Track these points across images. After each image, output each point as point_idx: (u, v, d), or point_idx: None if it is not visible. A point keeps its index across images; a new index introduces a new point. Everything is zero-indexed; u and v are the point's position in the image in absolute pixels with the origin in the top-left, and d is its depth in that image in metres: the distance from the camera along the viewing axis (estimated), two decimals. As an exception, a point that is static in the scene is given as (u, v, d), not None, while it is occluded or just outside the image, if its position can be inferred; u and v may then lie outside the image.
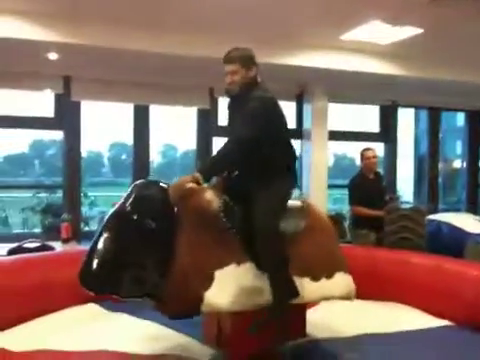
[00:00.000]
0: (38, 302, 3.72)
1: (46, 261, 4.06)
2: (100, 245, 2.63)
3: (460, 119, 12.51)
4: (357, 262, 4.01)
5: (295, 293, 2.87)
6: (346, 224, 6.42)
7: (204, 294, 2.67)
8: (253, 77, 3.03)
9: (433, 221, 5.40)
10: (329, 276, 3.09)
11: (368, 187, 5.09)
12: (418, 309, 3.97)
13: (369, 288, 3.99)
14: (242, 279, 2.77)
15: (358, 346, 3.21)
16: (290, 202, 3.12)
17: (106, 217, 2.78)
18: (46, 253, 4.41)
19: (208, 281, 2.69)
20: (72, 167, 5.87)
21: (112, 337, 3.31)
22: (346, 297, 3.17)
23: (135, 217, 2.68)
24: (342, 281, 3.14)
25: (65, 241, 5.31)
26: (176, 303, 2.70)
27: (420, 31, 4.99)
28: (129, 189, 2.85)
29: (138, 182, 2.92)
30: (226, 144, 2.85)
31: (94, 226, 7.24)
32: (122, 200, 2.79)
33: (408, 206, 5.20)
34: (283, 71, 5.64)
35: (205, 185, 2.87)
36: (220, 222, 2.83)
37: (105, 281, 2.59)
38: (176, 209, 2.75)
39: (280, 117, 3.07)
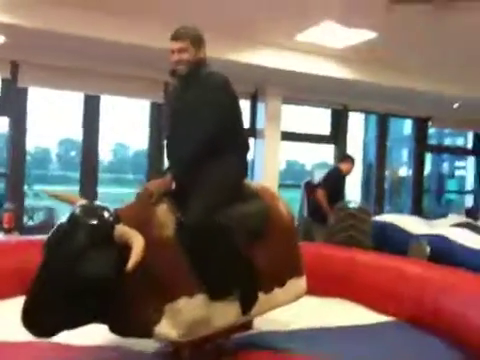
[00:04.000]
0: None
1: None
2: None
3: (407, 128, 12.94)
4: (305, 259, 4.11)
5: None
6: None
7: (153, 328, 2.51)
8: (203, 58, 2.85)
9: (379, 222, 5.54)
10: (281, 285, 2.90)
11: (341, 187, 5.62)
12: (362, 305, 4.06)
13: (315, 284, 4.05)
14: (192, 312, 2.54)
15: (303, 339, 3.24)
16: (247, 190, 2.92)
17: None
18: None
19: (157, 314, 2.51)
20: (16, 155, 5.64)
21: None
22: (295, 300, 3.07)
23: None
24: (293, 287, 2.98)
25: (7, 231, 5.11)
26: (128, 332, 2.60)
27: (373, 35, 5.11)
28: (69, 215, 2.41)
29: (79, 210, 2.42)
30: (193, 145, 2.65)
31: (38, 219, 7.03)
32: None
33: (354, 206, 5.33)
34: (238, 69, 5.64)
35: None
36: (172, 250, 2.55)
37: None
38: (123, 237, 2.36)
39: (236, 100, 2.89)
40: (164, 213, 2.64)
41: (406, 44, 5.46)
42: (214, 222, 2.63)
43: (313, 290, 3.97)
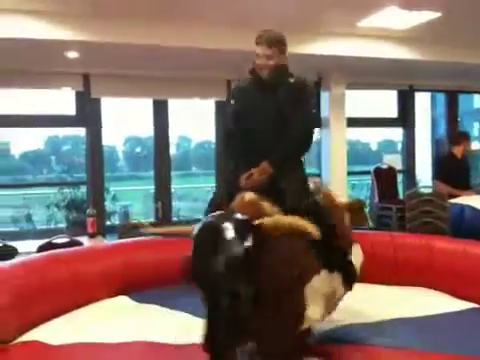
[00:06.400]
0: (70, 296, 3.81)
1: (77, 256, 4.14)
2: None
3: (477, 101, 12.39)
4: (380, 247, 4.14)
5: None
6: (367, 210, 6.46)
7: (305, 313, 2.52)
8: (286, 64, 2.97)
9: (455, 205, 5.38)
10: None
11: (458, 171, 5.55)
12: (444, 293, 3.99)
13: (393, 273, 4.04)
14: (323, 287, 2.62)
15: (389, 330, 3.24)
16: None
17: None
18: (77, 248, 4.50)
19: (304, 299, 2.52)
20: (95, 163, 6.00)
21: (146, 328, 3.36)
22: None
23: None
24: (357, 252, 3.00)
25: (91, 236, 5.39)
26: (283, 326, 2.61)
27: (438, 15, 4.96)
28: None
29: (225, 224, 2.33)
30: (298, 134, 2.86)
31: (116, 220, 7.39)
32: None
33: (429, 191, 5.24)
34: (301, 60, 5.61)
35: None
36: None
37: None
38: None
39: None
40: (268, 206, 2.73)
41: (471, 21, 5.26)
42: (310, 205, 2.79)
43: (392, 279, 4.02)
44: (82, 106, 5.95)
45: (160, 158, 6.42)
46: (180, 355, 3.03)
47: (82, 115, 5.96)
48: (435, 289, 4.07)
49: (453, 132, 7.96)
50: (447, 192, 5.31)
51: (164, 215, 6.35)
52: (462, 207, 5.34)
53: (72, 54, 5.22)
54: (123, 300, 4.01)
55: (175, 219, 7.56)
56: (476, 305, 3.68)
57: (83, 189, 6.30)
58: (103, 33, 4.82)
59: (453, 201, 5.37)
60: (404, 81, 7.29)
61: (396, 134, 8.05)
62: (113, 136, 16.13)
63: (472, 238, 4.34)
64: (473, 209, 5.25)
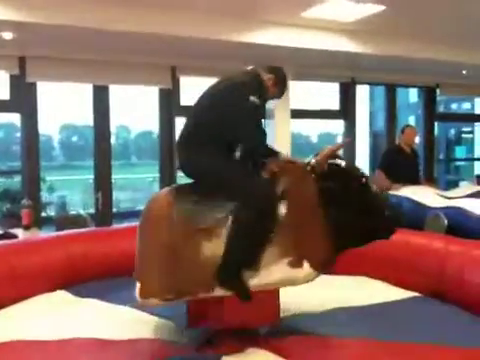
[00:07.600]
0: (6, 291, 3.61)
1: (12, 249, 3.94)
2: None
3: (412, 96, 12.85)
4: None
5: None
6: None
7: None
8: None
9: (394, 196, 5.52)
10: None
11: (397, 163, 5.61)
12: (385, 282, 4.09)
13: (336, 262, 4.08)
14: None
15: (332, 320, 3.27)
16: None
17: None
18: (14, 240, 4.28)
19: None
20: (31, 151, 5.67)
21: (86, 323, 3.26)
22: None
23: None
24: None
25: (26, 228, 5.14)
26: None
27: (382, 8, 5.05)
28: None
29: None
30: None
31: (52, 211, 7.10)
32: None
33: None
34: (245, 49, 5.60)
35: None
36: None
37: None
38: None
39: None
40: None
41: (413, 15, 5.40)
42: None
43: (335, 268, 4.06)
44: (17, 90, 5.62)
45: (100, 147, 6.17)
46: (123, 350, 2.94)
47: (17, 100, 5.63)
48: (374, 278, 4.17)
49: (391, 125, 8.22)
50: (386, 184, 5.44)
51: (105, 206, 6.15)
52: (400, 199, 5.50)
53: (7, 35, 4.91)
54: (62, 294, 3.86)
55: (115, 210, 7.37)
56: (416, 294, 3.80)
57: (17, 179, 5.99)
58: (41, 13, 4.55)
59: (392, 192, 5.52)
60: (346, 73, 7.39)
61: (335, 126, 8.17)
62: (48, 124, 15.61)
63: (410, 229, 4.47)
64: (411, 201, 5.41)
